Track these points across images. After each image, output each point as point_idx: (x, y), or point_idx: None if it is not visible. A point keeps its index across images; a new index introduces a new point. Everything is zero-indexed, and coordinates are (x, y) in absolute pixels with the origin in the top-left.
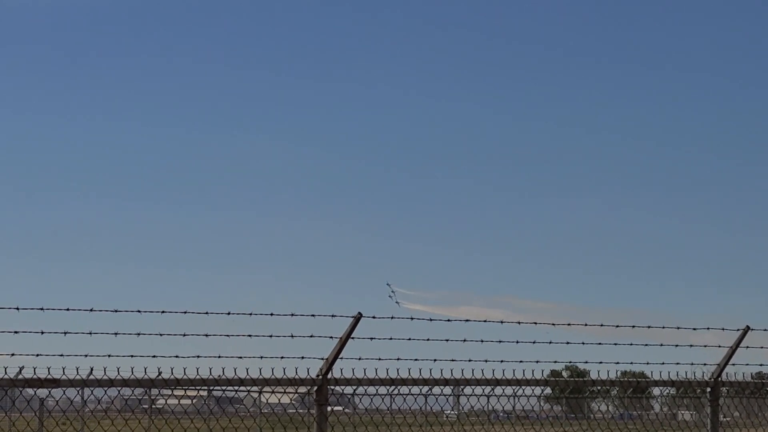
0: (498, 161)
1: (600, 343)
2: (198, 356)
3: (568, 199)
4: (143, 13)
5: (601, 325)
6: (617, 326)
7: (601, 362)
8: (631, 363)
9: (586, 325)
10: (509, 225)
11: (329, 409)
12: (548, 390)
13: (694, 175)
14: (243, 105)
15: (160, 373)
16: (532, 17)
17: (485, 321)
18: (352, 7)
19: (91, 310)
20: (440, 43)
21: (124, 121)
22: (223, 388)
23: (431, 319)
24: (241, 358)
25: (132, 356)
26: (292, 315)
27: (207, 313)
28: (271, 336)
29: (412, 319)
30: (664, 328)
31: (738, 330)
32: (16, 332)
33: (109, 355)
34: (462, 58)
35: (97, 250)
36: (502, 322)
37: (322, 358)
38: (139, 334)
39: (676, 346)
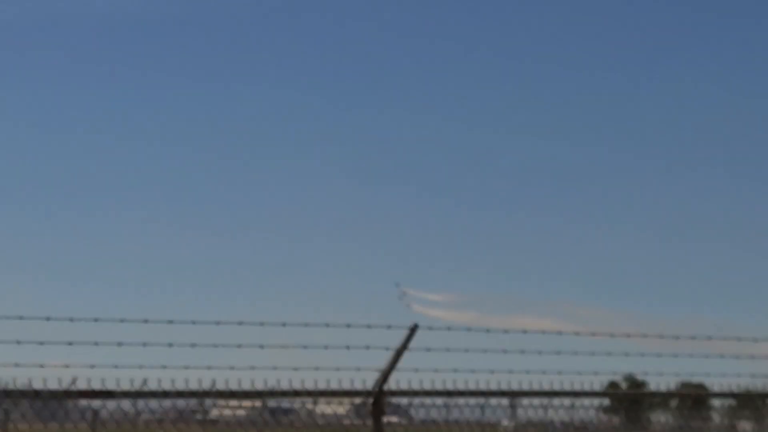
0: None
1: (659, 355)
2: (253, 367)
3: (625, 203)
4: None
5: (661, 336)
6: (677, 337)
7: (661, 374)
8: (691, 375)
9: (645, 335)
10: (567, 231)
11: (385, 420)
12: (606, 401)
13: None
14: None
15: (214, 385)
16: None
17: (543, 332)
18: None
19: (146, 321)
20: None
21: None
22: (278, 398)
23: (488, 330)
24: (296, 369)
25: (186, 368)
26: (348, 326)
27: (262, 323)
28: (326, 347)
29: (469, 330)
30: (724, 339)
31: None
32: (70, 343)
33: (163, 367)
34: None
35: (150, 261)
36: (560, 332)
37: (378, 370)
38: (193, 345)
39: (737, 357)
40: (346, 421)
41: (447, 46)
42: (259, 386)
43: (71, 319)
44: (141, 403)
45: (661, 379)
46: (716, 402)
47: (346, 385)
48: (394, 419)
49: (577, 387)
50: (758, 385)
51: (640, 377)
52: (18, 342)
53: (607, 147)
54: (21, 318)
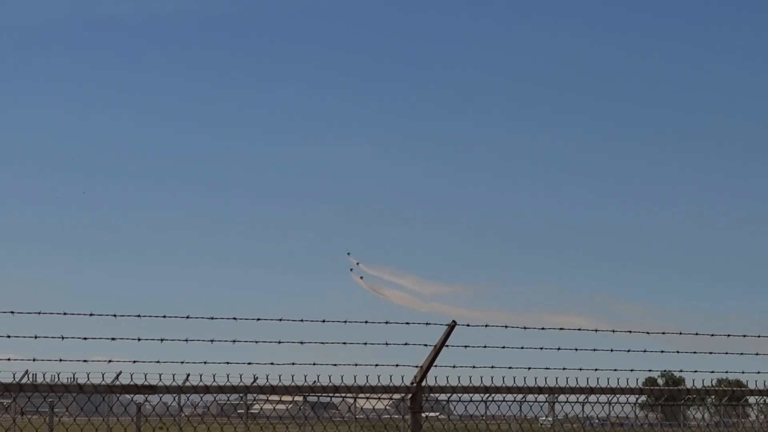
0: (594, 168)
1: (695, 352)
2: (293, 363)
3: (665, 204)
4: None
5: (696, 334)
6: (712, 335)
7: (696, 371)
8: (727, 372)
9: (680, 333)
10: (608, 228)
11: (423, 415)
12: (643, 398)
13: None
14: (343, 109)
15: (255, 380)
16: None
17: (579, 329)
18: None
19: (187, 317)
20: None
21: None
22: (318, 394)
23: (525, 327)
24: (336, 365)
25: (228, 363)
26: (387, 323)
27: (302, 320)
28: (365, 343)
29: (506, 327)
30: (759, 336)
31: None
32: (113, 339)
33: (205, 362)
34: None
35: (193, 257)
36: (596, 330)
37: (417, 366)
38: (234, 341)
39: None
40: (386, 417)
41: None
42: (300, 382)
43: (114, 315)
44: (183, 397)
45: (697, 376)
46: (752, 399)
47: (385, 381)
48: (432, 415)
49: (614, 384)
50: None
51: (676, 374)
52: (62, 337)
53: (647, 134)
54: (65, 314)
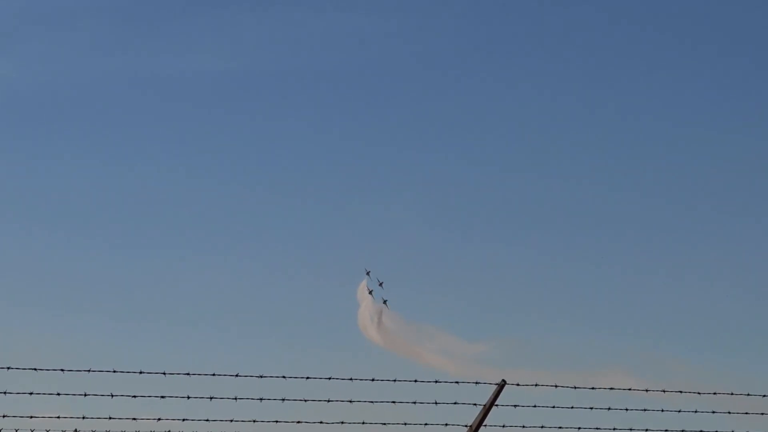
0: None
1: (746, 413)
2: (342, 422)
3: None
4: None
5: (748, 395)
6: (764, 395)
7: (747, 431)
8: None
9: (731, 394)
10: (655, 281)
11: None
12: None
13: None
14: None
15: None
16: None
17: (629, 389)
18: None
19: (236, 375)
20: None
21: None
22: None
23: (575, 387)
24: (385, 424)
25: (276, 422)
26: (436, 382)
27: (351, 379)
28: (415, 402)
29: (556, 387)
30: None
31: None
32: (162, 397)
33: (254, 421)
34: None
35: (245, 317)
36: (647, 390)
37: (466, 425)
38: (283, 399)
39: None
40: None
41: None
42: None
43: (164, 374)
44: None
45: None
46: None
47: None
48: None
49: None
50: None
51: None
52: (112, 395)
53: (693, 195)
54: (114, 371)
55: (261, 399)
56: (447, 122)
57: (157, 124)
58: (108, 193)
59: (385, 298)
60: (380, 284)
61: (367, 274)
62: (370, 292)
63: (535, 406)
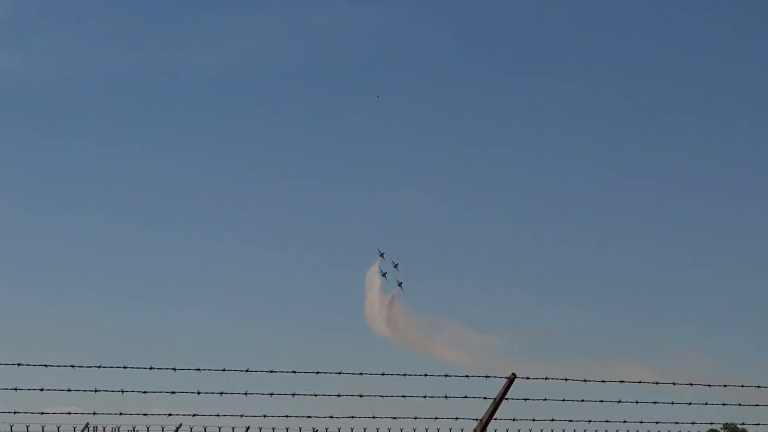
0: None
1: (757, 405)
2: (352, 417)
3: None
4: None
5: (758, 386)
6: None
7: (758, 423)
8: None
9: (742, 386)
10: (672, 274)
11: None
12: None
13: None
14: None
15: (315, 431)
16: None
17: (639, 382)
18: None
19: (246, 370)
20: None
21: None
22: None
23: (585, 380)
24: (395, 418)
25: (287, 416)
26: (446, 376)
27: (361, 374)
28: (425, 396)
29: (566, 380)
30: None
31: None
32: (173, 392)
33: (264, 416)
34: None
35: (254, 309)
36: (656, 383)
37: (476, 419)
38: (294, 394)
39: None
40: None
41: None
42: None
43: (174, 369)
44: None
45: (759, 429)
46: None
47: None
48: None
49: None
50: None
51: (739, 427)
52: (122, 391)
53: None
54: (125, 367)
55: (271, 394)
56: (462, 107)
57: (173, 115)
58: (109, 182)
59: (400, 281)
60: (395, 266)
61: (381, 255)
62: (384, 275)
63: (545, 400)
